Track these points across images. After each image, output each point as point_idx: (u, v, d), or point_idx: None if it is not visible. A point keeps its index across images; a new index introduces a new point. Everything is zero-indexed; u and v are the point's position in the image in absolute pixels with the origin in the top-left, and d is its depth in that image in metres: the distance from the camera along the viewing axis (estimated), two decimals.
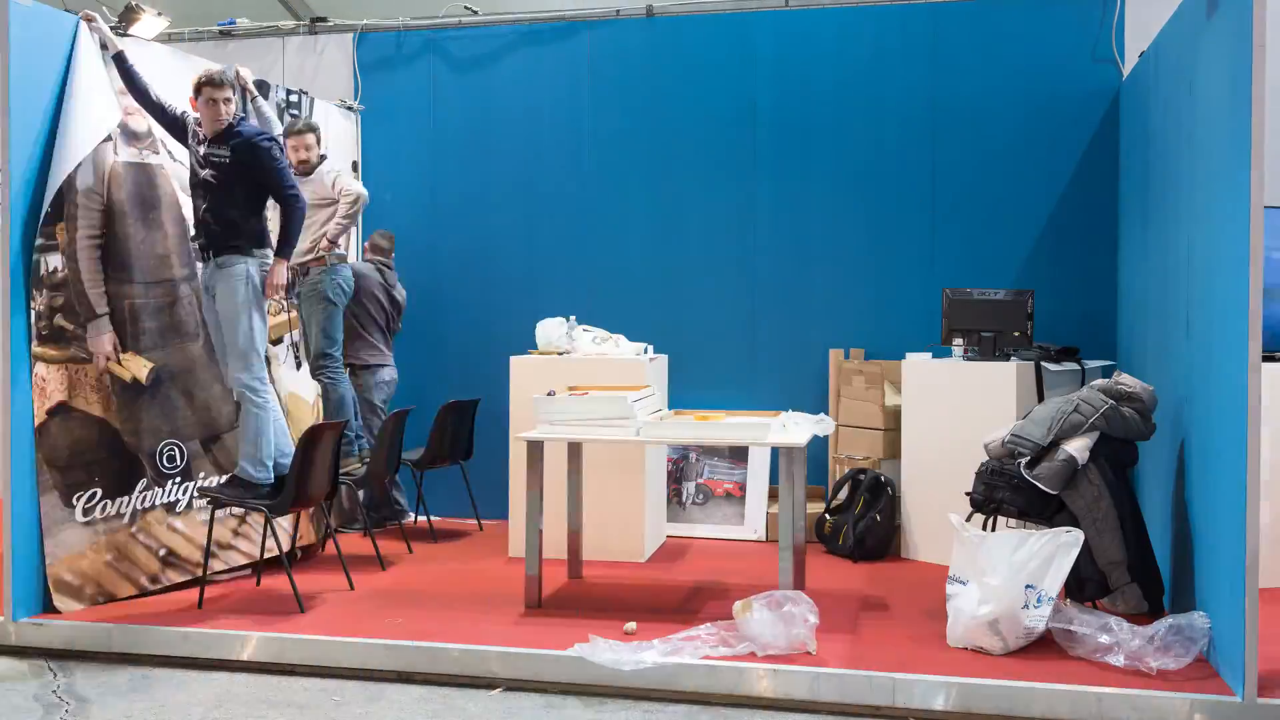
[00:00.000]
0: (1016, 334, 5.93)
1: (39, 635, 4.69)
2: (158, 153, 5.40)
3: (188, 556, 5.31)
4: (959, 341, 5.98)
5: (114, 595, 5.03)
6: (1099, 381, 4.97)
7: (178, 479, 5.31)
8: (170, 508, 5.27)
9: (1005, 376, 5.70)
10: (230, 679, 4.41)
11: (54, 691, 4.26)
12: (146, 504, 5.19)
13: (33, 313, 4.88)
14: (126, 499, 5.13)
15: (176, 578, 5.25)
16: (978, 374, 5.81)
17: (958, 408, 5.79)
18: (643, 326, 6.57)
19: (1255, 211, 3.72)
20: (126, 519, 5.12)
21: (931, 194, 6.72)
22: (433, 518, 6.83)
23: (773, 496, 6.63)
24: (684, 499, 6.77)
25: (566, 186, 7.17)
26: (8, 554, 4.74)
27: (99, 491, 5.03)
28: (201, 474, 5.41)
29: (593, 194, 7.14)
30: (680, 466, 6.81)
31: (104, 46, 5.19)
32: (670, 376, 6.58)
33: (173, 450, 5.31)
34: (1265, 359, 3.86)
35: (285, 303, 6.10)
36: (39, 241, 4.89)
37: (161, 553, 5.23)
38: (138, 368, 5.17)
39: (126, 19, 5.44)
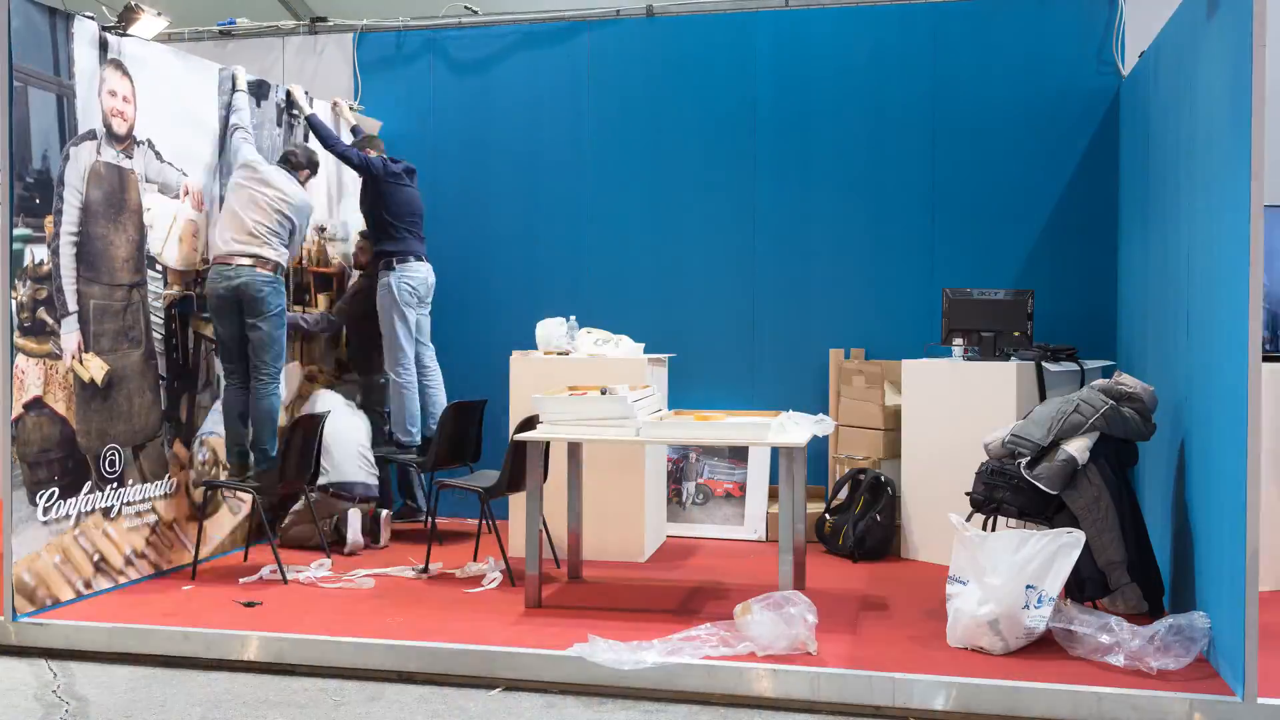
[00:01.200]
0: (1016, 334, 5.93)
1: (39, 635, 4.69)
2: (131, 157, 5.40)
3: (115, 564, 5.29)
4: (959, 341, 5.98)
5: (58, 598, 4.96)
6: (1099, 381, 4.97)
7: (114, 484, 5.28)
8: (106, 513, 5.23)
9: (1005, 376, 5.69)
10: (230, 679, 4.40)
11: (54, 691, 4.25)
12: (88, 507, 5.14)
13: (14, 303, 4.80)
14: (74, 500, 5.06)
15: (105, 584, 5.22)
16: (978, 374, 5.81)
17: (958, 408, 5.79)
18: (642, 326, 6.57)
19: (1255, 211, 3.72)
20: (72, 521, 5.05)
21: (931, 194, 6.72)
22: (440, 519, 6.81)
23: (773, 496, 6.63)
24: (684, 499, 6.77)
25: (566, 186, 7.16)
26: (7, 554, 4.74)
27: (56, 491, 4.96)
28: (130, 481, 5.37)
29: (592, 194, 7.14)
30: (680, 466, 6.81)
31: (292, 107, 6.12)
32: (670, 376, 6.58)
33: (114, 455, 5.28)
34: (1265, 359, 3.86)
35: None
36: (27, 232, 4.83)
37: (95, 558, 5.18)
38: (95, 368, 5.16)
39: (126, 19, 5.43)
